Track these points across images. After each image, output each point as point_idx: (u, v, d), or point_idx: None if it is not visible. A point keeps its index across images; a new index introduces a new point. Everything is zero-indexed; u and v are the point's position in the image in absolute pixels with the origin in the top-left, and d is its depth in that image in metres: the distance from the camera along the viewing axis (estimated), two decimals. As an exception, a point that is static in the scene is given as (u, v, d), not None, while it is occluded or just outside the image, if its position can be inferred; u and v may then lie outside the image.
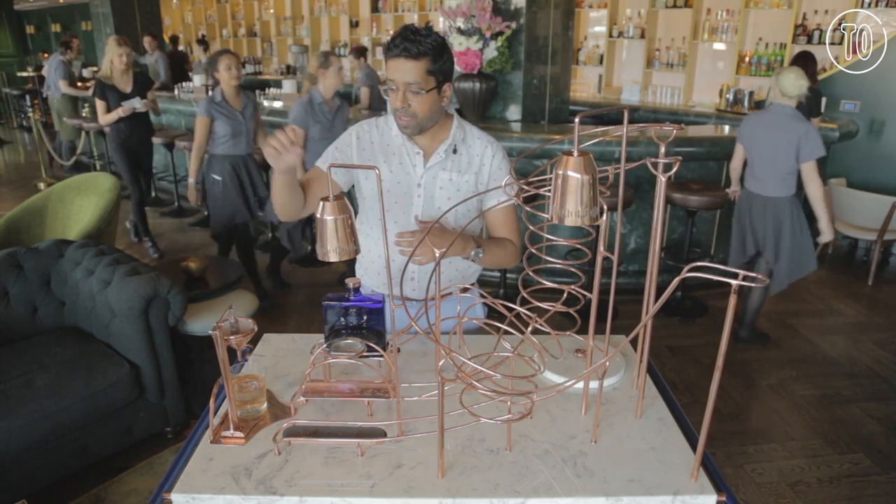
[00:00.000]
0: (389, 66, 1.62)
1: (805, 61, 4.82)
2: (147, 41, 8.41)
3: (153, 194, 6.95)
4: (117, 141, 4.96)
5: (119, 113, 4.72)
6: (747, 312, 3.67)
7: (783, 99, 3.29)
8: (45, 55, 11.25)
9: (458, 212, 1.77)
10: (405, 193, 1.77)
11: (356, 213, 1.91)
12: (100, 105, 4.78)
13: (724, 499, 1.14)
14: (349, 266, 2.30)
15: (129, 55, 4.71)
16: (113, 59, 4.64)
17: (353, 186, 1.87)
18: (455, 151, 1.77)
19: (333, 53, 4.04)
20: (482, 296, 1.72)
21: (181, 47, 10.60)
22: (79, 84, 7.86)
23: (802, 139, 3.20)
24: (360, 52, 6.90)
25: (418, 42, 1.58)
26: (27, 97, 10.51)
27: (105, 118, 4.79)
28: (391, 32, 9.21)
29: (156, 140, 6.28)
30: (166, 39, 10.33)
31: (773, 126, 3.29)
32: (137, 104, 4.76)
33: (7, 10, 14.90)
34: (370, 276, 1.90)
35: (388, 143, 1.78)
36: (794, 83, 3.22)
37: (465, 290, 1.78)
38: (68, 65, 7.56)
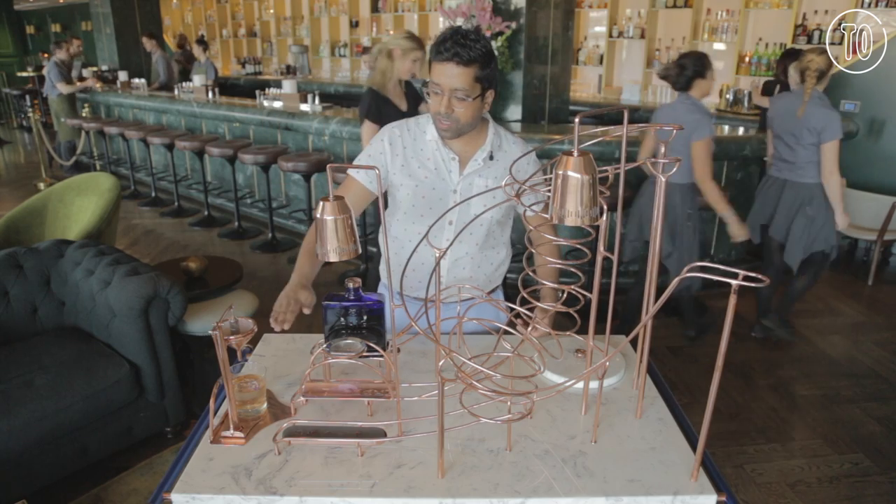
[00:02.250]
0: (436, 70, 1.60)
1: (797, 58, 4.82)
2: (146, 41, 8.41)
3: (153, 194, 6.93)
4: None
5: None
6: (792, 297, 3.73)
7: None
8: (46, 55, 11.26)
9: (493, 219, 1.77)
10: (440, 200, 1.75)
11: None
12: (370, 129, 3.12)
13: (724, 499, 1.14)
14: (374, 267, 2.24)
15: (422, 60, 3.22)
16: (402, 66, 3.16)
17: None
18: (492, 158, 1.75)
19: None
20: (479, 297, 1.72)
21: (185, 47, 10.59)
22: (78, 83, 7.87)
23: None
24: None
25: (469, 48, 1.55)
26: (27, 97, 10.52)
27: None
28: (391, 32, 9.22)
29: (155, 140, 6.17)
30: (167, 39, 10.33)
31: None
32: None
33: (7, 10, 14.91)
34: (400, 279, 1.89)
35: (421, 147, 1.75)
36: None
37: (489, 294, 1.75)
38: (62, 65, 7.58)
